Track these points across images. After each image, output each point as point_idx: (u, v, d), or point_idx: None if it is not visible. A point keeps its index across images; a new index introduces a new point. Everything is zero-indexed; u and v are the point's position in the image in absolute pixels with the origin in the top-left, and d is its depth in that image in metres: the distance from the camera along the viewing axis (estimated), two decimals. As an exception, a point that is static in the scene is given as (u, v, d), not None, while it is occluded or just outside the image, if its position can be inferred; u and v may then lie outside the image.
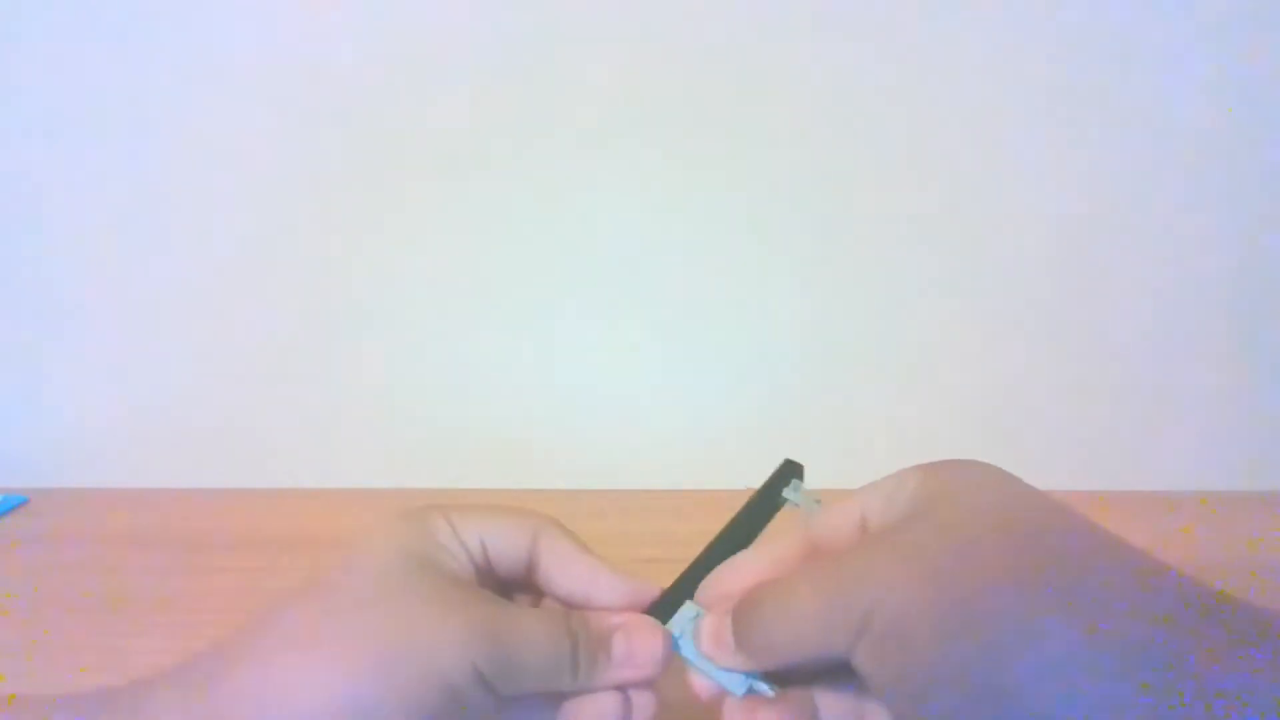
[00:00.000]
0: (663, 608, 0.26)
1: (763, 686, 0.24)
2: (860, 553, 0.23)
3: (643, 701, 0.24)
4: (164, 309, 0.59)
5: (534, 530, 0.26)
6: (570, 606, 0.26)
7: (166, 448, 0.63)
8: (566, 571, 0.26)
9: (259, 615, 0.25)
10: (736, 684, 0.24)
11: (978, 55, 0.51)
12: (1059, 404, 0.58)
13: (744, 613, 0.24)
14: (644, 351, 0.59)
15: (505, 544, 0.26)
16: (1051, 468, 0.60)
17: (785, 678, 0.25)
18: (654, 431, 0.61)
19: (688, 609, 0.26)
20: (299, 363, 0.60)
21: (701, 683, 0.25)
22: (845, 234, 0.56)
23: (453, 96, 0.53)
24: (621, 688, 0.24)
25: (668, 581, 0.29)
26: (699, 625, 0.25)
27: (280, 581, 0.35)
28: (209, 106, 0.55)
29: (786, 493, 0.31)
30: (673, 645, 0.25)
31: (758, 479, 0.60)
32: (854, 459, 0.60)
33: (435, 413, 0.61)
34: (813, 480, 0.60)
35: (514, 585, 0.27)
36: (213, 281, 0.58)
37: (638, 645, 0.24)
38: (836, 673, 0.24)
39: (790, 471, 0.32)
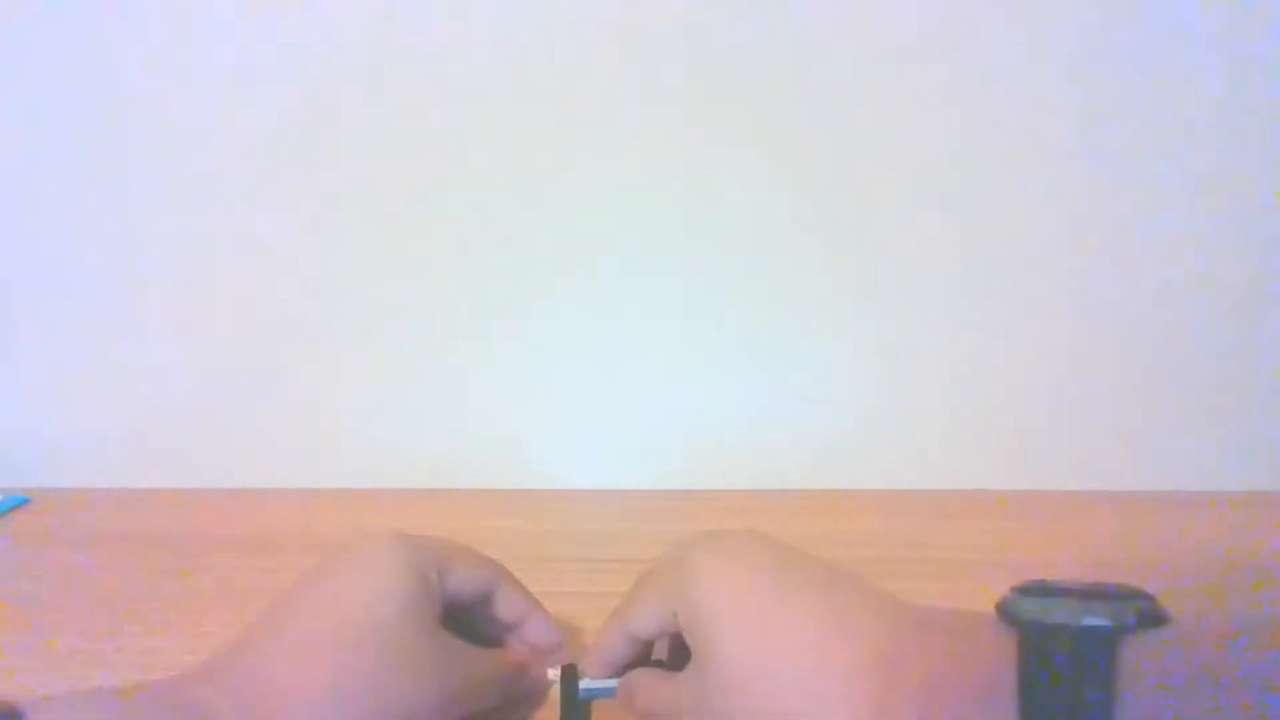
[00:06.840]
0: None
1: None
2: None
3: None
4: (163, 309, 0.59)
5: (493, 579, 0.37)
6: (509, 628, 0.38)
7: (166, 448, 0.63)
8: (513, 610, 0.38)
9: (271, 622, 0.32)
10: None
11: (1002, 61, 0.51)
12: (1073, 405, 0.58)
13: None
14: (644, 351, 0.59)
15: (472, 588, 0.36)
16: (1060, 469, 0.60)
17: None
18: (653, 431, 0.61)
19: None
20: (297, 363, 0.60)
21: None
22: (851, 235, 0.55)
23: (452, 96, 0.53)
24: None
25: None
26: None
27: (279, 581, 0.35)
28: (204, 107, 0.55)
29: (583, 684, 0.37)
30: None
31: (758, 479, 0.60)
32: (856, 460, 0.61)
33: (433, 413, 0.61)
34: (816, 481, 0.60)
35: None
36: (212, 282, 0.58)
37: (532, 680, 0.38)
38: None
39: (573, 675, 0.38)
